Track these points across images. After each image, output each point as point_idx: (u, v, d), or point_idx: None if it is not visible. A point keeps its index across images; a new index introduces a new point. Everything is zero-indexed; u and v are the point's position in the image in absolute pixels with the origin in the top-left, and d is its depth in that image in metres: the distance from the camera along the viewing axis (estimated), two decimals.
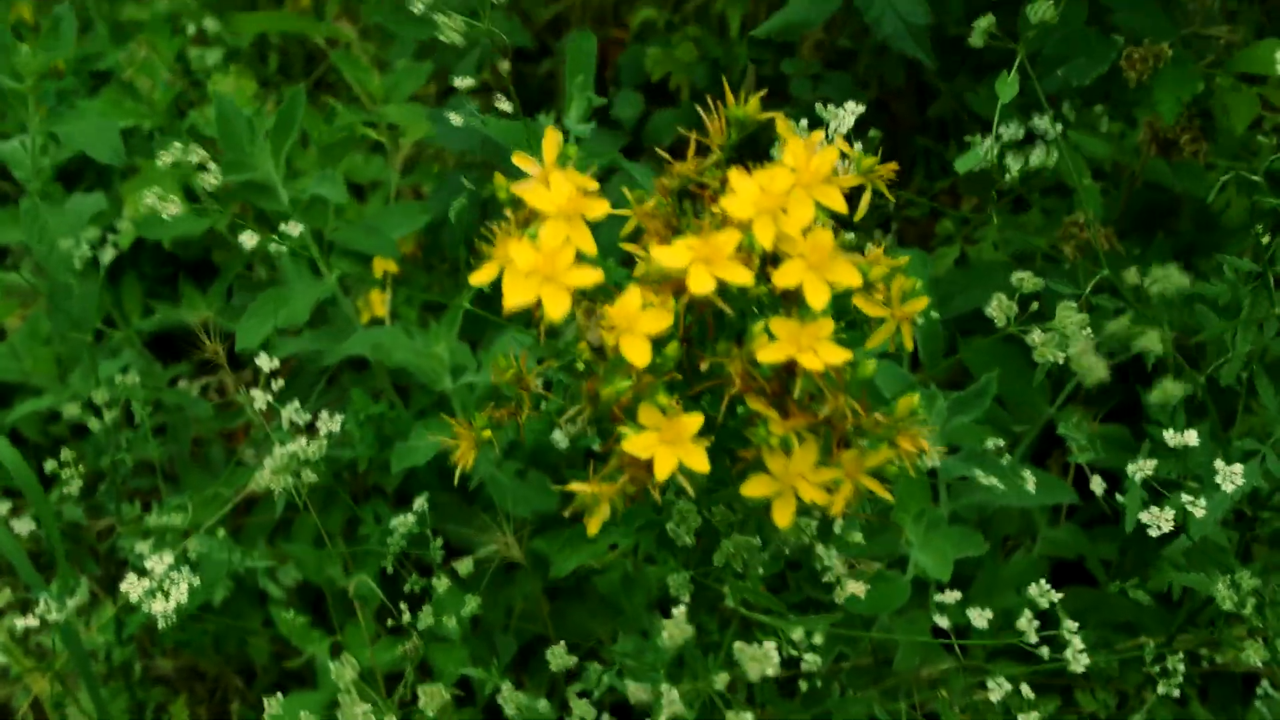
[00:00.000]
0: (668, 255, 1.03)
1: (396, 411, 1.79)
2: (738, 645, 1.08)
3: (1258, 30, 1.29)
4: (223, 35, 2.47)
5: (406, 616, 1.40)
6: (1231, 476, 1.21)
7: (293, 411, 1.30)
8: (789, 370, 1.05)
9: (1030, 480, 1.37)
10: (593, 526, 1.09)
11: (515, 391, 1.12)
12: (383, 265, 2.00)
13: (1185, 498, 1.20)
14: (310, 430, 1.32)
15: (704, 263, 1.02)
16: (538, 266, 1.02)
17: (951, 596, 1.46)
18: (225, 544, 1.59)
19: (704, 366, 1.08)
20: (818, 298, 1.02)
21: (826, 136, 1.24)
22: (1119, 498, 1.30)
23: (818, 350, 1.02)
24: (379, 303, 2.08)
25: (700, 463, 1.01)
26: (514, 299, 1.02)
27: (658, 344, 1.03)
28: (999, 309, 1.15)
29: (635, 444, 1.02)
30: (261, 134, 1.61)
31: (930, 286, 1.74)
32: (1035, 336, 1.13)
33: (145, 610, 1.24)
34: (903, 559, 1.50)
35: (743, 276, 1.02)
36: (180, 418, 1.98)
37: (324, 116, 1.80)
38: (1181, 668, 1.31)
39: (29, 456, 1.49)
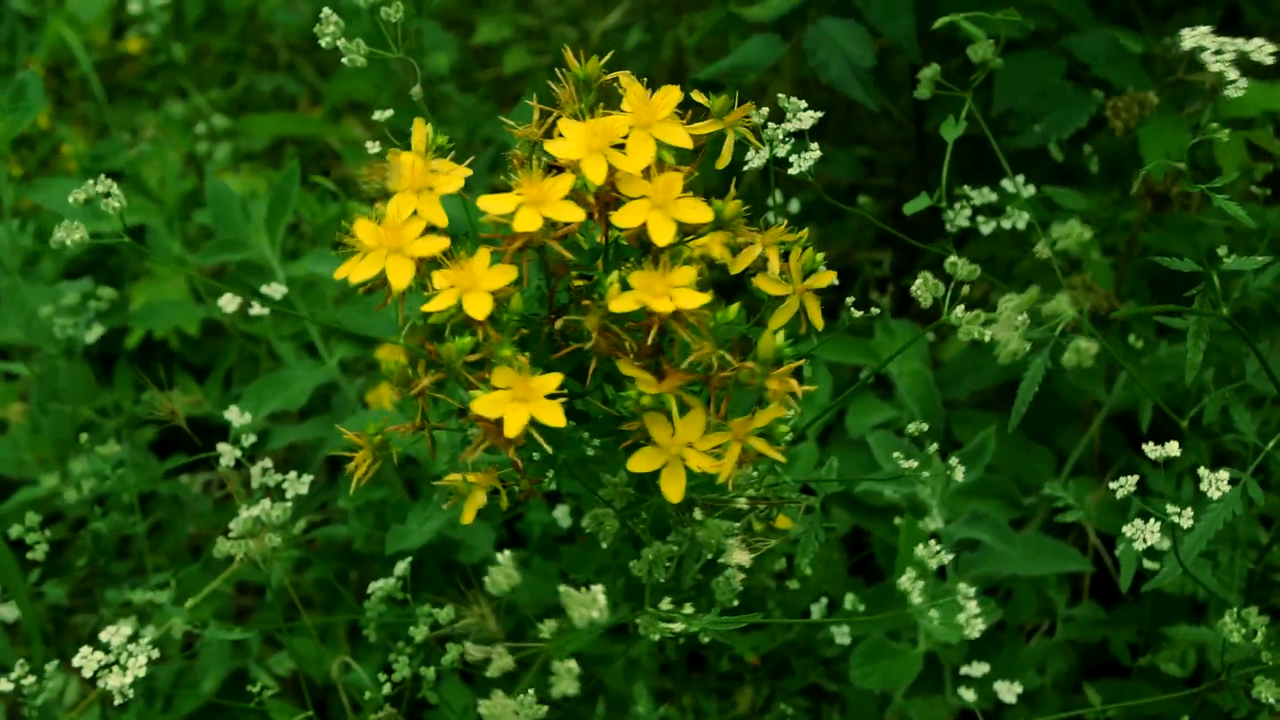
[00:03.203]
0: (494, 203, 1.02)
1: (397, 497, 1.76)
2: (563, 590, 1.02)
3: (1243, 72, 1.27)
4: (236, 137, 2.50)
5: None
6: (1217, 483, 1.16)
7: (261, 473, 1.27)
8: (660, 330, 1.03)
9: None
10: (467, 514, 1.07)
11: (405, 393, 1.08)
12: (391, 357, 1.98)
13: (1170, 509, 1.15)
14: (279, 494, 1.28)
15: (532, 205, 1.01)
16: (383, 240, 1.01)
17: (979, 669, 1.41)
18: (223, 627, 1.54)
19: (559, 324, 1.06)
20: (662, 235, 1.01)
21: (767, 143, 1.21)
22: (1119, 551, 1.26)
23: (673, 297, 0.99)
24: (388, 399, 2.05)
25: (554, 417, 0.98)
26: (359, 273, 1.01)
27: (504, 302, 1.02)
28: (924, 288, 1.11)
29: (484, 404, 0.99)
30: (257, 217, 1.60)
31: (927, 357, 1.71)
32: (958, 312, 1.08)
33: (101, 685, 1.19)
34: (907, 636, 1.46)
35: (572, 213, 1.01)
36: (176, 511, 1.94)
37: (316, 196, 1.79)
38: None
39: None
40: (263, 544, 1.24)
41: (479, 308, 1.00)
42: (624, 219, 1.02)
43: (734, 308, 1.05)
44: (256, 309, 1.30)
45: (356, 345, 1.76)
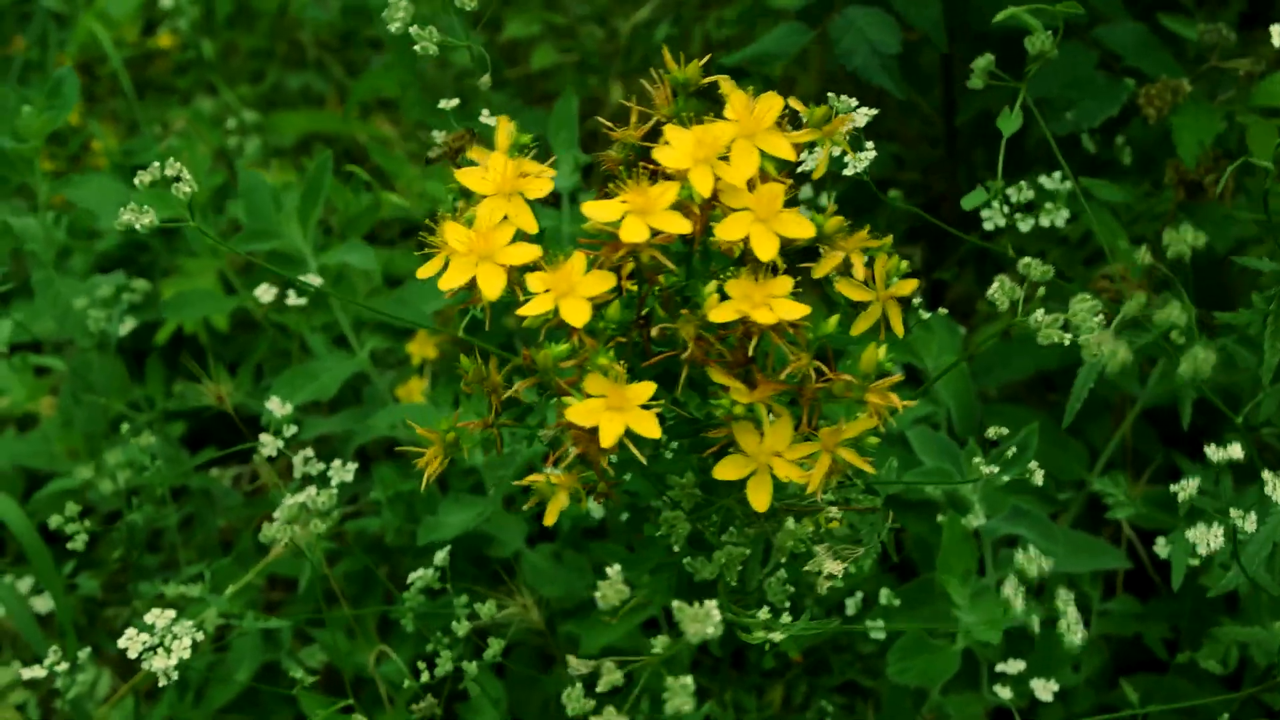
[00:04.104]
0: (600, 210, 1.00)
1: (429, 489, 1.75)
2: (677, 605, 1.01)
3: (1278, 60, 1.25)
4: (265, 133, 2.50)
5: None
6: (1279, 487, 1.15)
7: (303, 461, 1.26)
8: (751, 338, 1.02)
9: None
10: (550, 515, 1.05)
11: (481, 394, 1.08)
12: (422, 351, 1.98)
13: (1234, 512, 1.13)
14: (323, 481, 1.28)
15: (638, 215, 0.99)
16: (473, 246, 1.00)
17: (1014, 666, 1.40)
18: (259, 616, 1.54)
19: (654, 333, 1.04)
20: (765, 249, 0.99)
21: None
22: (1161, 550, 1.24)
23: (772, 307, 0.98)
24: (419, 392, 2.05)
25: (649, 428, 0.97)
26: (449, 279, 1.00)
27: (602, 309, 1.00)
28: (1001, 292, 1.09)
29: (578, 411, 0.98)
30: (289, 206, 1.60)
31: (961, 352, 1.70)
32: (1038, 316, 1.06)
33: (146, 667, 1.19)
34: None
35: (679, 225, 0.99)
36: (207, 505, 1.95)
37: (350, 187, 1.79)
38: None
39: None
40: (308, 530, 1.24)
41: (578, 315, 0.98)
42: (727, 231, 1.00)
43: (833, 319, 1.03)
44: (292, 299, 1.29)
45: (388, 337, 1.76)
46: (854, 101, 1.19)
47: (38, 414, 2.06)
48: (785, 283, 1.00)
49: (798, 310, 0.99)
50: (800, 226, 1.01)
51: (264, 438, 1.26)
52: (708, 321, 1.00)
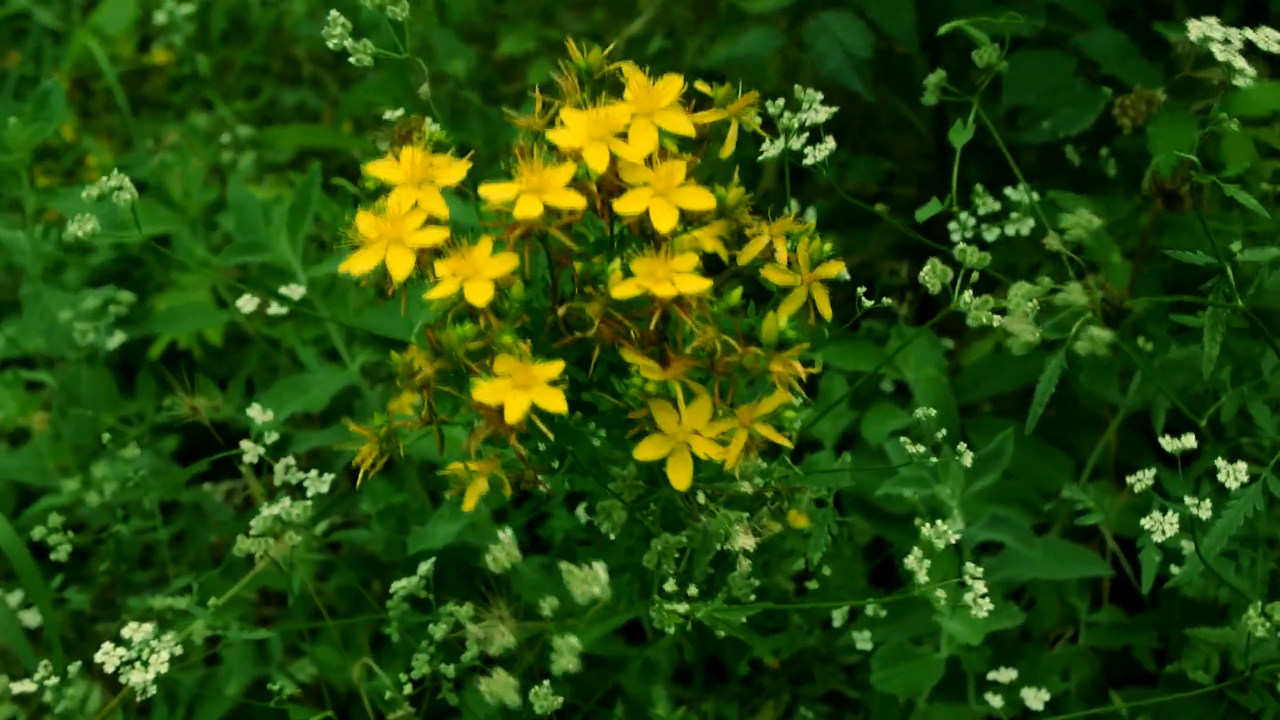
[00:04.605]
0: (496, 191, 1.02)
1: (419, 503, 1.76)
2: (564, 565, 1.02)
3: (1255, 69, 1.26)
4: (260, 148, 2.51)
5: None
6: (1236, 474, 1.15)
7: (285, 470, 1.27)
8: (664, 318, 1.03)
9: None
10: (468, 502, 1.07)
11: (410, 385, 1.08)
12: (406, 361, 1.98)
13: (1189, 500, 1.14)
14: (299, 491, 1.28)
15: (534, 193, 1.01)
16: (384, 232, 1.02)
17: (1006, 675, 1.40)
18: (246, 628, 1.54)
19: (561, 312, 1.06)
20: (664, 221, 1.01)
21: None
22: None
23: (674, 282, 1.00)
24: (409, 406, 2.05)
25: (556, 404, 0.98)
26: (360, 264, 1.02)
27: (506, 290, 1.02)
28: (932, 274, 1.10)
29: (485, 391, 0.99)
30: (279, 221, 1.60)
31: (941, 364, 1.71)
32: (966, 298, 1.08)
33: (123, 681, 1.19)
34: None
35: (573, 201, 1.01)
36: (199, 520, 1.95)
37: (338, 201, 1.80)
38: None
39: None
40: (284, 544, 1.24)
41: (480, 295, 1.00)
42: (626, 206, 1.02)
43: (736, 292, 1.06)
44: (275, 308, 1.30)
45: (378, 350, 1.76)
46: (818, 94, 1.20)
47: (30, 429, 2.07)
48: (689, 259, 1.01)
49: (699, 284, 1.00)
50: (700, 198, 1.03)
51: (245, 444, 1.26)
52: (613, 299, 1.02)
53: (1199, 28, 1.12)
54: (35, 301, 1.58)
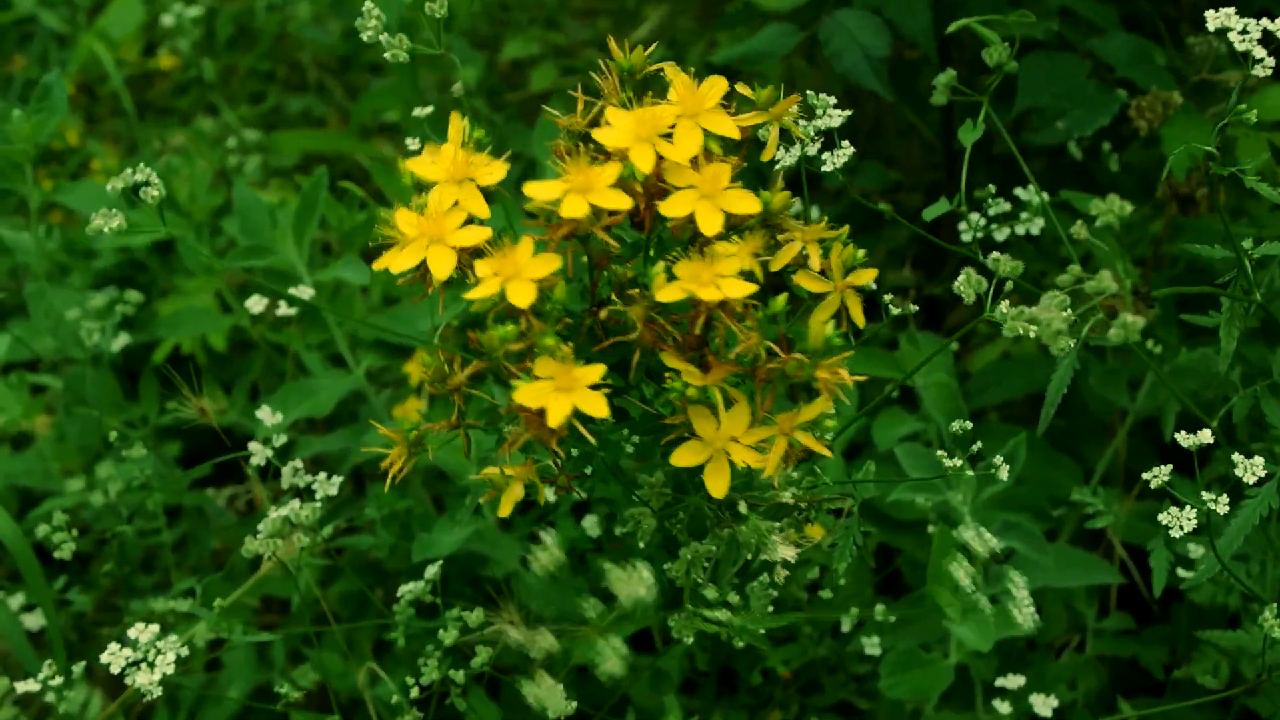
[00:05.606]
0: (541, 189, 1.01)
1: (423, 509, 1.75)
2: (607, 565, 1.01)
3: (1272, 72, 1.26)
4: (266, 153, 2.50)
5: None
6: (1252, 469, 1.14)
7: (292, 472, 1.26)
8: (708, 324, 1.02)
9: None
10: (504, 507, 1.05)
11: (442, 389, 1.07)
12: (419, 370, 1.97)
13: (1206, 495, 1.13)
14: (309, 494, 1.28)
15: (579, 193, 1.00)
16: (424, 230, 1.01)
17: (1015, 681, 1.39)
18: (249, 631, 1.54)
19: (603, 315, 1.05)
20: (710, 224, 1.00)
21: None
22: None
23: (719, 286, 0.99)
24: (415, 411, 2.05)
25: (597, 408, 0.97)
26: (400, 263, 1.01)
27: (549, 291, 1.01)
28: (966, 284, 1.09)
29: (526, 393, 0.98)
30: (284, 224, 1.60)
31: (951, 369, 1.70)
32: (1002, 308, 1.06)
33: (129, 683, 1.19)
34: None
35: (620, 201, 1.00)
36: (202, 524, 1.94)
37: (345, 204, 1.79)
38: None
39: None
40: (292, 546, 1.24)
41: (522, 296, 0.99)
42: (672, 208, 1.01)
43: (781, 298, 1.04)
44: (283, 309, 1.29)
45: (384, 355, 1.75)
46: (831, 99, 1.19)
47: (34, 433, 2.06)
48: (733, 262, 1.00)
49: (744, 288, 0.99)
50: (746, 202, 1.03)
51: (253, 445, 1.25)
52: (656, 302, 1.01)
53: (1217, 19, 1.11)
54: (40, 300, 1.58)
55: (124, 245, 2.08)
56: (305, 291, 1.35)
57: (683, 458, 1.03)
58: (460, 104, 1.18)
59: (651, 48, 1.13)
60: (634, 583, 0.97)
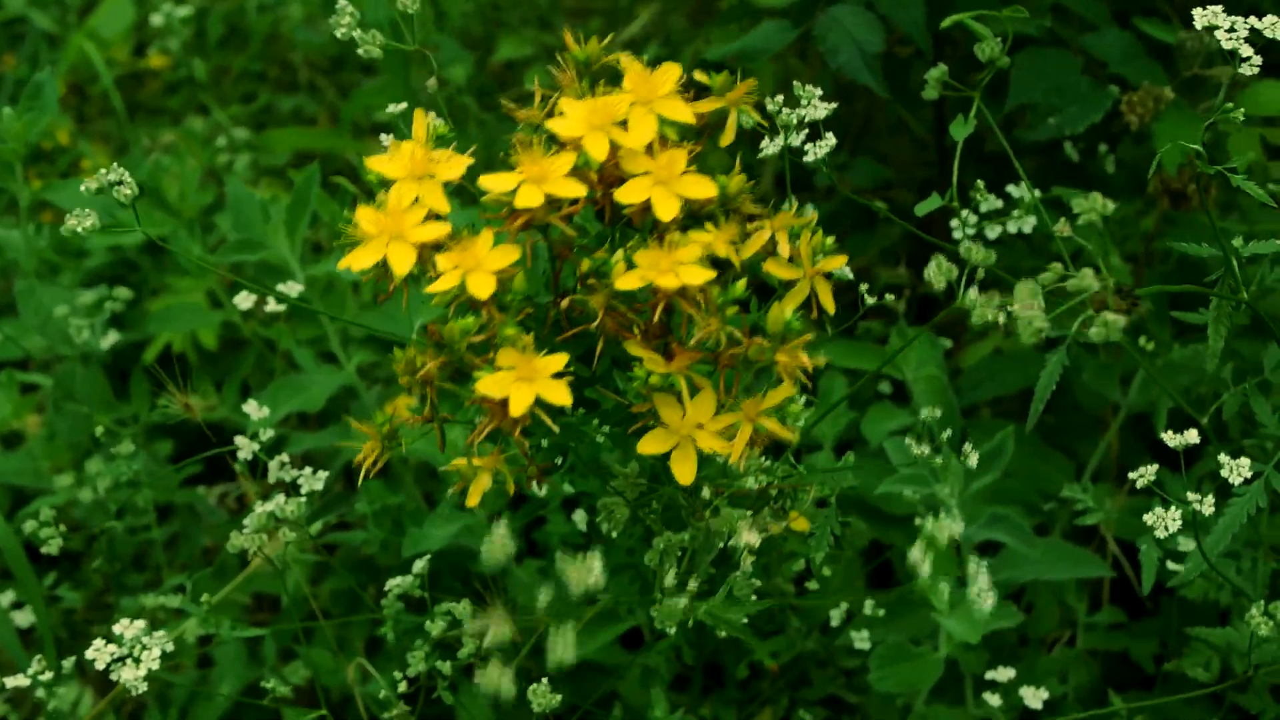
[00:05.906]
0: (496, 181, 1.02)
1: (414, 505, 1.75)
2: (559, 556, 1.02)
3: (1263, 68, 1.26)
4: (256, 151, 2.50)
5: None
6: (1239, 470, 1.15)
7: (279, 466, 1.26)
8: (668, 310, 1.03)
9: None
10: (472, 497, 1.07)
11: (415, 385, 1.08)
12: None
13: (1192, 496, 1.13)
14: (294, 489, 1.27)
15: (534, 183, 1.01)
16: (384, 227, 1.02)
17: (1005, 674, 1.39)
18: (239, 626, 1.53)
19: (564, 304, 1.06)
20: (666, 210, 1.01)
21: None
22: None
23: (678, 273, 0.99)
24: (405, 409, 2.04)
25: (560, 396, 0.98)
26: (361, 261, 1.01)
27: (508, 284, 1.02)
28: (937, 272, 1.09)
29: (488, 383, 0.99)
30: (276, 218, 1.60)
31: (942, 364, 1.70)
32: (971, 295, 1.07)
33: (114, 679, 1.18)
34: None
35: (574, 189, 1.01)
36: (193, 523, 1.94)
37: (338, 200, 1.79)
38: None
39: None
40: (278, 542, 1.23)
41: (482, 287, 1.00)
42: (627, 195, 1.02)
43: (741, 283, 1.04)
44: (272, 306, 1.29)
45: (375, 351, 1.75)
46: (817, 90, 1.19)
47: (23, 433, 2.05)
48: (693, 250, 1.01)
49: (702, 275, 1.00)
50: (701, 187, 1.03)
51: (239, 440, 1.25)
52: (616, 290, 1.01)
53: (1204, 16, 1.12)
54: (30, 297, 1.58)
55: (115, 244, 2.08)
56: (296, 287, 1.34)
57: (649, 445, 1.04)
58: (436, 101, 1.18)
59: (609, 41, 1.14)
60: (583, 572, 0.97)
